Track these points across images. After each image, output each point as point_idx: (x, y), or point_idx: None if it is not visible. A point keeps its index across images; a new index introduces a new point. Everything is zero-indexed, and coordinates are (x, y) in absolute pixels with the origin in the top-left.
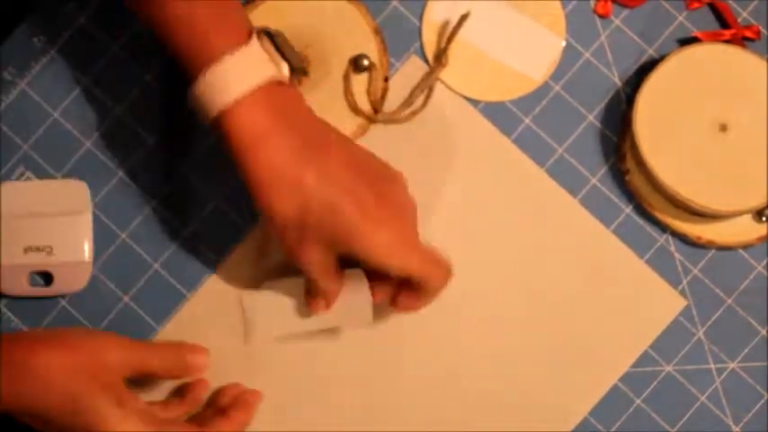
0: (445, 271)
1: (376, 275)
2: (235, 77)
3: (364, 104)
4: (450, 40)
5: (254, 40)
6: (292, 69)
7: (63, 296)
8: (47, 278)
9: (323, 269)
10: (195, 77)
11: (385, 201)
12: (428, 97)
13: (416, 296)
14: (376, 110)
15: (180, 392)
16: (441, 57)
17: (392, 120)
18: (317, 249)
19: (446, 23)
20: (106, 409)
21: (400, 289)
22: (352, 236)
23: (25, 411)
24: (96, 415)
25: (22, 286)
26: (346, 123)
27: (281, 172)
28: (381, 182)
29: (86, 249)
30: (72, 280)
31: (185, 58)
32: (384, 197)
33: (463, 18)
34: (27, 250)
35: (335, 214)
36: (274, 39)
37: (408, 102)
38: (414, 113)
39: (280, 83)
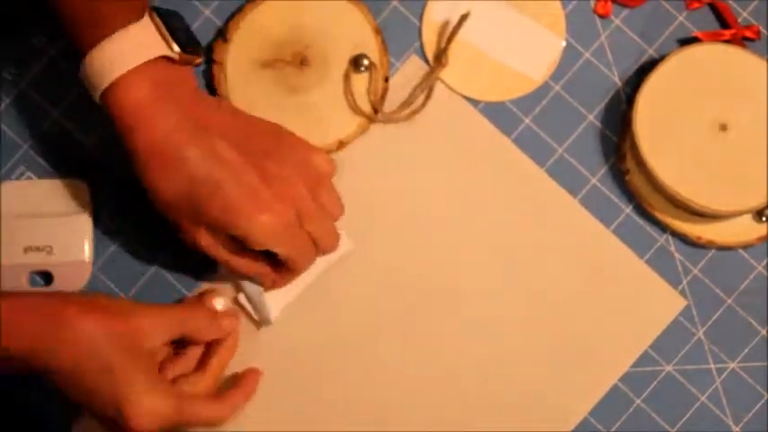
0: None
1: None
2: (121, 55)
3: (364, 104)
4: (450, 39)
5: (145, 19)
6: (183, 49)
7: None
8: (47, 278)
9: (218, 249)
10: (86, 51)
11: (271, 180)
12: (428, 97)
13: (283, 273)
14: (376, 110)
15: (235, 381)
16: (441, 57)
17: (392, 119)
18: (206, 230)
19: (446, 23)
20: (135, 379)
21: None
22: (231, 216)
23: (55, 371)
24: (125, 383)
25: (22, 286)
26: (346, 123)
27: (163, 148)
28: (270, 159)
29: (86, 249)
30: (72, 280)
31: (77, 35)
32: (270, 176)
33: (463, 18)
34: (27, 250)
35: (216, 193)
36: (166, 18)
37: (408, 101)
38: (414, 113)
39: (169, 61)
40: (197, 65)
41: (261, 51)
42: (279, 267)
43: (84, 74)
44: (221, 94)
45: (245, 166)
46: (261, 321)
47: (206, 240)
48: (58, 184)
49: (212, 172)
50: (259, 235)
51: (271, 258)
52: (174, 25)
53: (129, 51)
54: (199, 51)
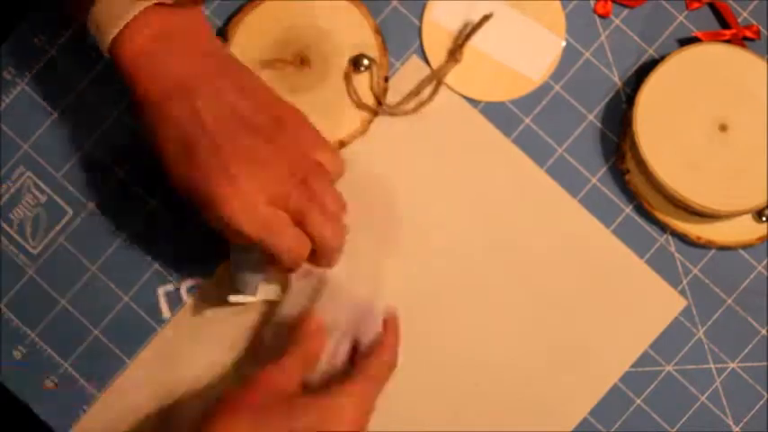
0: (300, 252)
1: None
2: (116, 8)
3: (367, 100)
4: (468, 36)
5: None
6: None
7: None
8: None
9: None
10: (85, 9)
11: (254, 161)
12: (435, 92)
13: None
14: (380, 101)
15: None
16: (455, 52)
17: (398, 111)
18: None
19: (467, 23)
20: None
21: None
22: (201, 185)
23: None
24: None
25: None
26: (347, 123)
27: (158, 99)
28: (262, 138)
29: None
30: None
31: None
32: (256, 158)
33: (485, 18)
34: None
35: (202, 161)
36: None
37: (415, 92)
38: (420, 105)
39: (169, 7)
40: (198, 4)
41: (261, 51)
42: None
43: (91, 32)
44: None
45: (234, 131)
46: (238, 290)
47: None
48: None
49: (189, 134)
50: (224, 213)
51: None
52: None
53: (120, 6)
54: None
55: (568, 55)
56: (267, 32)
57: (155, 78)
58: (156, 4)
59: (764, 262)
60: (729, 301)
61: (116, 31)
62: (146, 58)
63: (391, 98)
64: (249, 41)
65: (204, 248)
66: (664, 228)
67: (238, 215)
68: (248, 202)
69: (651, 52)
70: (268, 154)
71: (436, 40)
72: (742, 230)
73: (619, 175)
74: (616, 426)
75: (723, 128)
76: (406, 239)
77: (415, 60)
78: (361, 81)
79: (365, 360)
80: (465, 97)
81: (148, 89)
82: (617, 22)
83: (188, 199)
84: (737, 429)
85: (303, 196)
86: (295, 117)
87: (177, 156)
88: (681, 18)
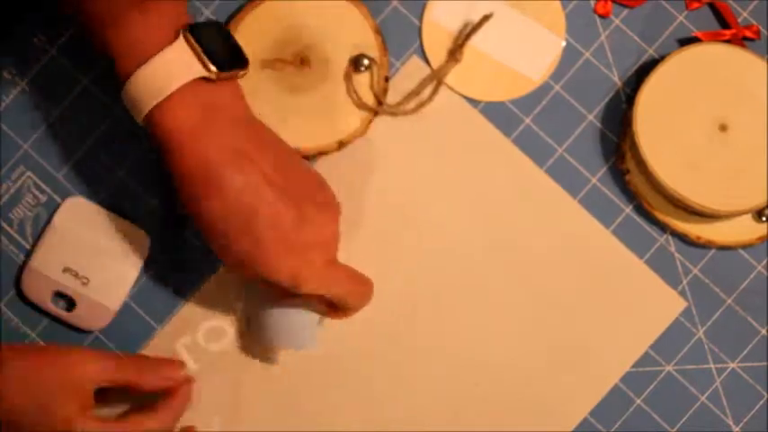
0: (363, 290)
1: None
2: (155, 82)
3: (368, 100)
4: (468, 36)
5: (180, 40)
6: (222, 68)
7: (75, 328)
8: (69, 304)
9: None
10: (124, 79)
11: (306, 225)
12: (435, 92)
13: (337, 311)
14: (380, 101)
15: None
16: (456, 52)
17: (398, 111)
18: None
19: (467, 23)
20: (71, 414)
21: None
22: (266, 257)
23: (2, 412)
24: (62, 419)
25: (43, 298)
26: (347, 123)
27: (202, 174)
28: (309, 203)
29: (118, 299)
30: (92, 318)
31: (115, 65)
32: (305, 221)
33: (485, 18)
34: (66, 270)
35: (250, 229)
36: (203, 34)
37: (415, 92)
38: (420, 105)
39: (208, 80)
40: (240, 77)
41: (261, 51)
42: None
43: (125, 101)
44: None
45: (282, 202)
46: (295, 346)
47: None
48: (124, 224)
49: (248, 203)
50: (285, 279)
51: None
52: (211, 42)
53: (163, 78)
54: (241, 65)
55: (568, 55)
56: (267, 32)
57: (202, 151)
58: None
59: (764, 262)
60: (729, 301)
61: (155, 102)
62: (191, 132)
63: (391, 98)
64: (249, 41)
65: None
66: (664, 228)
67: (309, 282)
68: (314, 267)
69: (651, 52)
70: (316, 215)
71: (436, 40)
72: (742, 230)
73: (619, 175)
74: (616, 426)
75: (723, 128)
76: (406, 239)
77: (415, 60)
78: (361, 81)
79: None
80: (465, 97)
81: (195, 163)
82: (617, 22)
83: (240, 265)
84: (737, 429)
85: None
86: (321, 178)
87: (236, 229)
88: (681, 18)
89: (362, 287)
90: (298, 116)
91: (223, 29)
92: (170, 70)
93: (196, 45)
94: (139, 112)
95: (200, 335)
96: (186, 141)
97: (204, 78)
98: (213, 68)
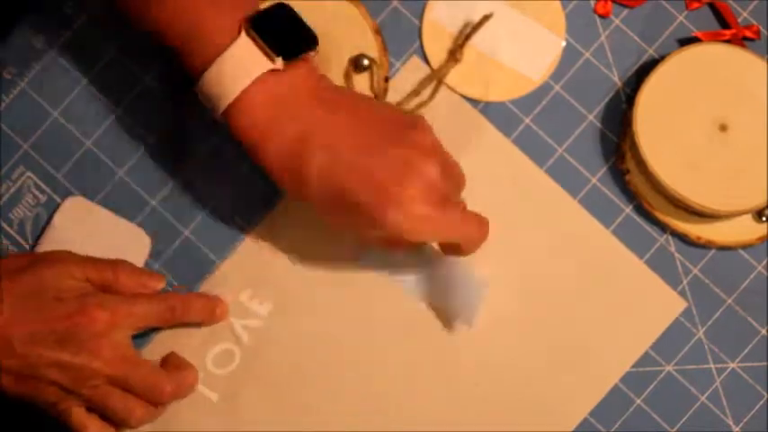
0: (479, 229)
1: None
2: (223, 82)
3: None
4: (468, 36)
5: (243, 36)
6: (288, 56)
7: None
8: None
9: (371, 243)
10: (196, 77)
11: (400, 169)
12: (436, 91)
13: (456, 249)
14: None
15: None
16: (456, 52)
17: None
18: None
19: (466, 23)
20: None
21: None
22: (371, 219)
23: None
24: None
25: None
26: None
27: (288, 164)
28: (396, 144)
29: None
30: None
31: (182, 59)
32: (400, 163)
33: (485, 18)
34: None
35: (348, 199)
36: (266, 22)
37: (416, 92)
38: (420, 105)
39: (274, 72)
40: (312, 57)
41: None
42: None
43: (201, 98)
44: None
45: (370, 162)
46: (462, 320)
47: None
48: (124, 224)
49: (338, 180)
50: (419, 233)
51: None
52: (277, 28)
53: (231, 77)
54: (310, 46)
55: (568, 55)
56: None
57: (279, 144)
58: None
59: (764, 262)
60: (729, 301)
61: (227, 103)
62: (266, 126)
63: (391, 98)
64: None
65: (204, 247)
66: (664, 228)
67: (436, 226)
68: (432, 207)
69: (651, 52)
70: (405, 154)
71: (436, 40)
72: (742, 230)
73: (619, 175)
74: (616, 426)
75: (723, 128)
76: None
77: (415, 60)
78: (361, 81)
79: None
80: (465, 97)
81: (276, 156)
82: (617, 22)
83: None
84: (737, 429)
85: (445, 180)
86: (390, 112)
87: (332, 203)
88: (681, 18)
89: (476, 228)
90: None
91: (289, 10)
92: (237, 68)
93: (259, 39)
94: (215, 110)
95: (209, 361)
96: (262, 137)
97: (268, 72)
98: (279, 60)
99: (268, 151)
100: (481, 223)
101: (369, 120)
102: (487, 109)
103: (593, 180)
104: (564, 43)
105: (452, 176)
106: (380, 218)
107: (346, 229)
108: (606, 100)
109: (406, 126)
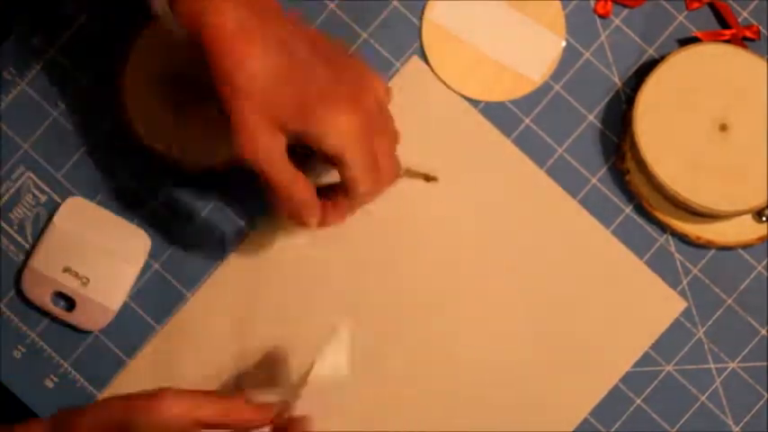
0: (389, 173)
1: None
2: None
3: None
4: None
5: None
6: None
7: (75, 328)
8: (69, 304)
9: (272, 157)
10: None
11: (343, 83)
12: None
13: (339, 202)
14: None
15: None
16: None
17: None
18: (268, 130)
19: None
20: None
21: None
22: (307, 113)
23: None
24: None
25: (43, 298)
26: None
27: (231, 41)
28: (343, 67)
29: (118, 299)
30: (92, 318)
31: None
32: (343, 80)
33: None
34: (66, 270)
35: (287, 85)
36: None
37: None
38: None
39: None
40: None
41: None
42: (333, 196)
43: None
44: None
45: (318, 64)
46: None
47: (265, 145)
48: (124, 224)
49: (282, 64)
50: (335, 135)
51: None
52: None
53: None
54: None
55: (568, 55)
56: None
57: (230, 18)
58: None
59: (764, 262)
60: (729, 301)
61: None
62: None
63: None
64: None
65: (204, 247)
66: (664, 228)
67: (353, 140)
68: (358, 124)
69: (651, 52)
70: (352, 77)
71: (436, 40)
72: (742, 230)
73: (619, 175)
74: (616, 426)
75: (723, 128)
76: (406, 239)
77: (415, 60)
78: None
79: None
80: (465, 97)
81: (221, 32)
82: (617, 22)
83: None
84: (737, 429)
85: (380, 116)
86: (347, 48)
87: (268, 89)
88: (681, 18)
89: (381, 174)
90: None
91: None
92: None
93: None
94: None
95: None
96: (207, 15)
97: None
98: None
99: (211, 28)
100: (393, 171)
101: (320, 34)
102: (487, 109)
103: (593, 180)
104: (564, 43)
105: (388, 121)
106: (325, 113)
107: (259, 130)
108: (606, 100)
109: (366, 70)
